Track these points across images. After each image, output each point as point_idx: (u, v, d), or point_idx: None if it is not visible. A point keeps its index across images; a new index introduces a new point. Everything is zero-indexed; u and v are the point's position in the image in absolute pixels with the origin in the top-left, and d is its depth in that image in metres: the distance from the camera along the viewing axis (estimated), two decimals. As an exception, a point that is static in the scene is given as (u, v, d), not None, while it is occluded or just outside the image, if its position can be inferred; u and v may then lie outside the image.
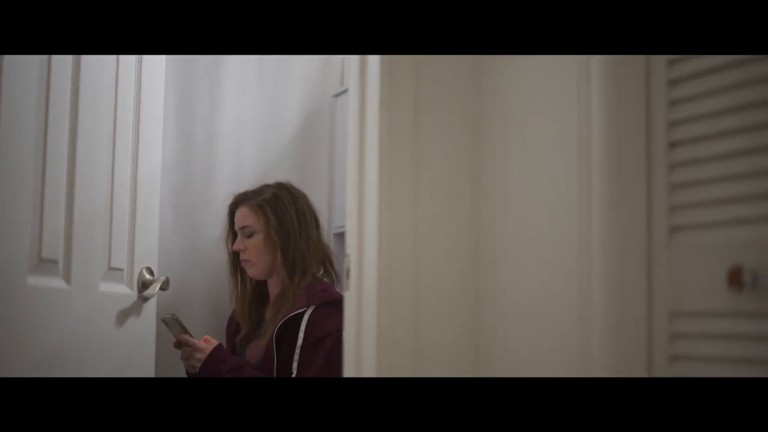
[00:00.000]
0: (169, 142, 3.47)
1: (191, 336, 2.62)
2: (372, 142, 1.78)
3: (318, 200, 3.69)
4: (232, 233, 2.90)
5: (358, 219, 1.82)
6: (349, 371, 1.84)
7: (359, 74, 1.84)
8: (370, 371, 1.76)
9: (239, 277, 2.89)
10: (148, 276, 2.52)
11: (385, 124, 1.77)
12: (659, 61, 1.44)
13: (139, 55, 2.56)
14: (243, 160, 3.65)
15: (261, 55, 3.52)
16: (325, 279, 2.85)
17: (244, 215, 2.85)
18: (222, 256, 3.56)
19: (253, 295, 2.88)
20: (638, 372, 1.42)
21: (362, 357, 1.79)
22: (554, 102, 1.64)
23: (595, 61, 1.51)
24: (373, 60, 1.78)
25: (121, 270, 2.42)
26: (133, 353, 2.46)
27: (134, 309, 2.47)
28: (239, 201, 2.90)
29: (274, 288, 2.81)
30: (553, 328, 1.62)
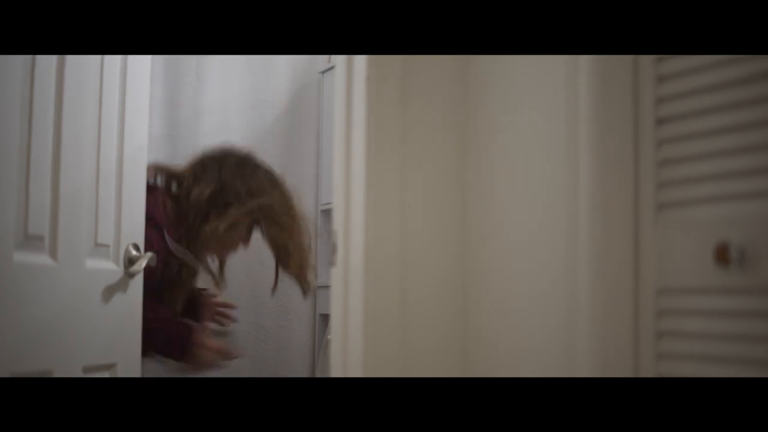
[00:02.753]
0: (155, 118, 3.47)
1: None
2: (359, 118, 1.78)
3: (305, 177, 3.70)
4: None
5: (345, 195, 1.82)
6: (336, 348, 1.84)
7: (346, 50, 1.83)
8: (356, 347, 1.76)
9: None
10: (134, 252, 2.51)
11: (372, 100, 1.76)
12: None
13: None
14: (229, 136, 3.64)
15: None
16: None
17: None
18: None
19: None
20: (625, 348, 1.42)
21: (348, 332, 1.79)
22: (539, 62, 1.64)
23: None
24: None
25: (107, 246, 2.41)
26: (119, 329, 2.46)
27: (121, 285, 2.46)
28: None
29: None
30: (539, 303, 1.63)
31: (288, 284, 3.67)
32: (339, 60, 1.85)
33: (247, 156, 3.04)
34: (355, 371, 1.76)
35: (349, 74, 1.82)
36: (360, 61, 1.78)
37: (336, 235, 1.84)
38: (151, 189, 2.66)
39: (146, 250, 2.50)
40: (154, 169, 2.86)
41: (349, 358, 1.79)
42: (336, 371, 1.84)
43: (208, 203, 2.89)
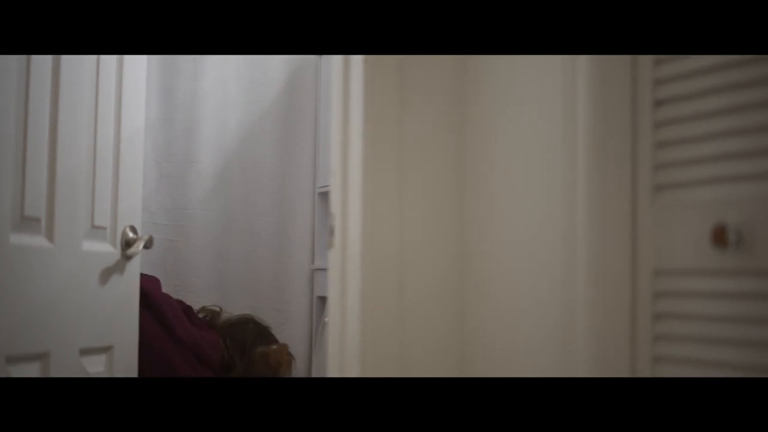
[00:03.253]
0: (152, 101, 3.46)
1: None
2: (356, 100, 1.77)
3: (302, 159, 3.70)
4: None
5: (342, 178, 1.82)
6: (333, 330, 1.84)
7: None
8: (354, 330, 1.76)
9: None
10: (131, 234, 2.51)
11: (369, 82, 1.76)
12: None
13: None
14: (226, 118, 3.64)
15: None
16: None
17: None
18: (205, 215, 3.57)
19: None
20: (622, 330, 1.42)
21: (346, 314, 1.79)
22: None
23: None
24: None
25: (104, 228, 2.41)
26: (116, 312, 2.46)
27: (117, 267, 2.46)
28: None
29: None
30: (536, 283, 1.63)
31: (286, 266, 3.68)
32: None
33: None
34: (353, 354, 1.76)
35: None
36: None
37: (333, 219, 1.84)
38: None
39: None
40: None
41: (346, 341, 1.80)
42: (333, 354, 1.84)
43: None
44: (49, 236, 2.16)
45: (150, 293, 2.94)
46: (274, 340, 3.21)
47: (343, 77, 1.82)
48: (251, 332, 3.12)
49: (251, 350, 3.04)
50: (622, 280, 1.43)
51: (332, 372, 1.84)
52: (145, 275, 3.01)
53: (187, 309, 3.09)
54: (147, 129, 3.08)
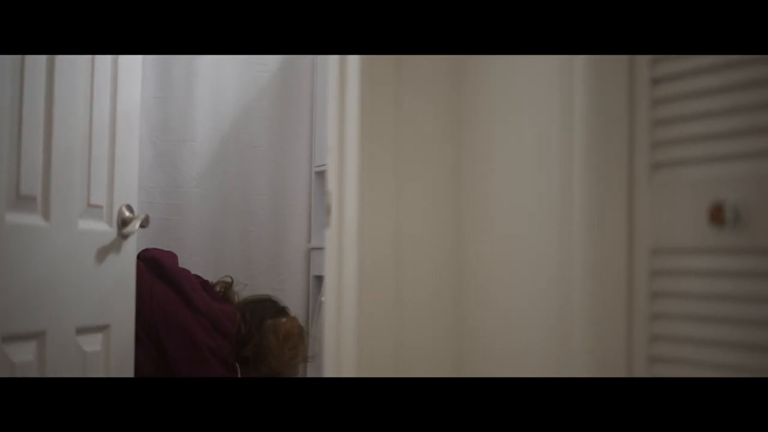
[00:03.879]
0: (148, 80, 3.45)
1: None
2: (353, 79, 1.77)
3: (299, 137, 3.69)
4: None
5: (339, 157, 1.81)
6: (330, 309, 1.84)
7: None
8: (350, 308, 1.76)
9: None
10: (127, 213, 2.50)
11: (366, 59, 1.75)
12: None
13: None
14: (222, 97, 3.63)
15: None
16: None
17: None
18: (201, 193, 3.56)
19: None
20: (619, 309, 1.42)
21: (342, 293, 1.79)
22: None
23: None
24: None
25: (100, 207, 2.41)
26: (113, 291, 2.46)
27: (114, 246, 2.45)
28: None
29: None
30: (533, 264, 1.63)
31: (282, 245, 3.68)
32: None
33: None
34: (349, 332, 1.76)
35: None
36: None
37: (330, 197, 1.84)
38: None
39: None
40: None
41: (343, 320, 1.80)
42: (330, 333, 1.84)
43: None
44: (45, 215, 2.16)
45: (168, 266, 3.01)
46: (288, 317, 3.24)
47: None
48: (269, 309, 3.16)
49: (263, 323, 3.09)
50: (619, 258, 1.43)
51: (329, 350, 1.84)
52: (163, 250, 3.12)
53: (204, 283, 3.14)
54: (143, 107, 3.07)
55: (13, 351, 2.04)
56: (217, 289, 3.19)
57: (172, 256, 3.13)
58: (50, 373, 2.15)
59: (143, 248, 3.20)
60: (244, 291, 3.25)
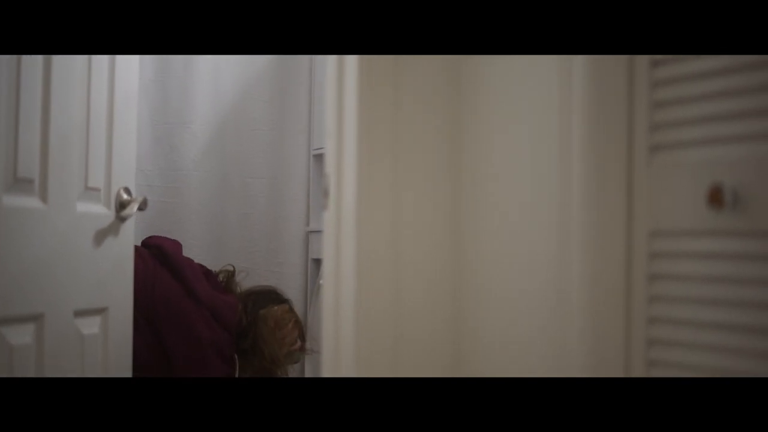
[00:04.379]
0: (146, 63, 3.44)
1: None
2: (351, 60, 1.76)
3: (298, 120, 3.68)
4: None
5: (337, 140, 1.81)
6: (328, 293, 1.84)
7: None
8: (349, 291, 1.76)
9: None
10: (125, 196, 2.50)
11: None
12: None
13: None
14: (221, 79, 3.62)
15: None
16: None
17: None
18: (200, 176, 3.56)
19: None
20: (617, 291, 1.42)
21: (341, 276, 1.79)
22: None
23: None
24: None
25: (98, 190, 2.40)
26: (111, 273, 2.46)
27: (112, 229, 2.45)
28: None
29: None
30: (532, 246, 1.63)
31: (280, 228, 3.67)
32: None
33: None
34: (348, 316, 1.76)
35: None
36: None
37: (328, 180, 1.83)
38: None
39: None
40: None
41: (341, 303, 1.80)
42: (328, 316, 1.84)
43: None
44: (43, 197, 2.15)
45: (171, 254, 3.00)
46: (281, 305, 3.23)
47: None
48: (272, 301, 3.15)
49: (258, 313, 3.08)
50: (618, 241, 1.42)
51: (327, 334, 1.84)
52: (167, 238, 3.12)
53: (207, 273, 3.13)
54: (141, 90, 3.07)
55: (11, 334, 2.04)
56: (220, 278, 3.18)
57: (176, 245, 3.12)
58: (48, 356, 2.15)
59: (146, 235, 3.21)
60: (245, 280, 3.24)
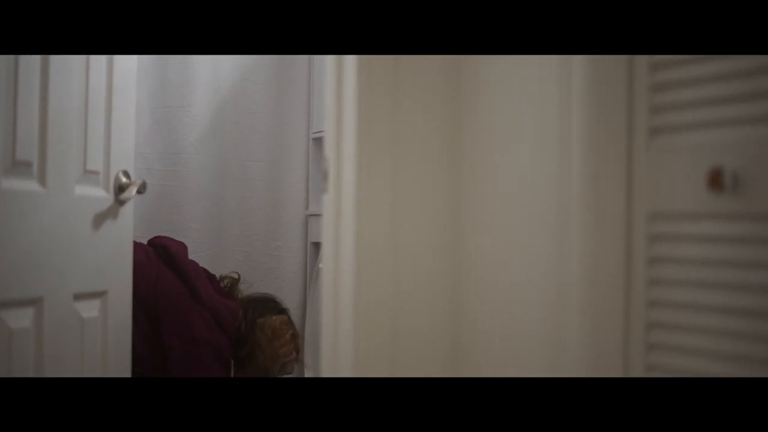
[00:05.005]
0: (145, 44, 3.43)
1: None
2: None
3: (297, 104, 3.68)
4: None
5: (336, 123, 1.80)
6: (327, 276, 1.84)
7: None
8: (348, 275, 1.76)
9: None
10: (124, 179, 2.49)
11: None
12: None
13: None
14: (220, 62, 3.61)
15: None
16: None
17: None
18: (200, 160, 3.56)
19: None
20: (617, 274, 1.42)
21: (340, 260, 1.79)
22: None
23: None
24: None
25: (97, 173, 2.40)
26: (110, 257, 2.46)
27: (111, 212, 2.45)
28: None
29: None
30: (531, 226, 1.62)
31: (279, 211, 3.67)
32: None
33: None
34: (347, 300, 1.76)
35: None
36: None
37: (327, 163, 1.83)
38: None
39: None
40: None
41: (340, 286, 1.79)
42: (327, 300, 1.84)
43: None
44: (41, 181, 2.15)
45: (176, 255, 3.02)
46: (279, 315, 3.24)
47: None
48: (270, 309, 3.16)
49: (255, 321, 3.09)
50: (618, 223, 1.42)
51: (326, 317, 1.84)
52: (173, 239, 3.13)
53: (211, 277, 3.14)
54: (140, 74, 3.06)
55: (11, 317, 2.04)
56: (224, 283, 3.18)
57: (182, 246, 3.13)
58: (48, 340, 2.15)
59: (145, 219, 3.21)
60: (248, 290, 3.25)
